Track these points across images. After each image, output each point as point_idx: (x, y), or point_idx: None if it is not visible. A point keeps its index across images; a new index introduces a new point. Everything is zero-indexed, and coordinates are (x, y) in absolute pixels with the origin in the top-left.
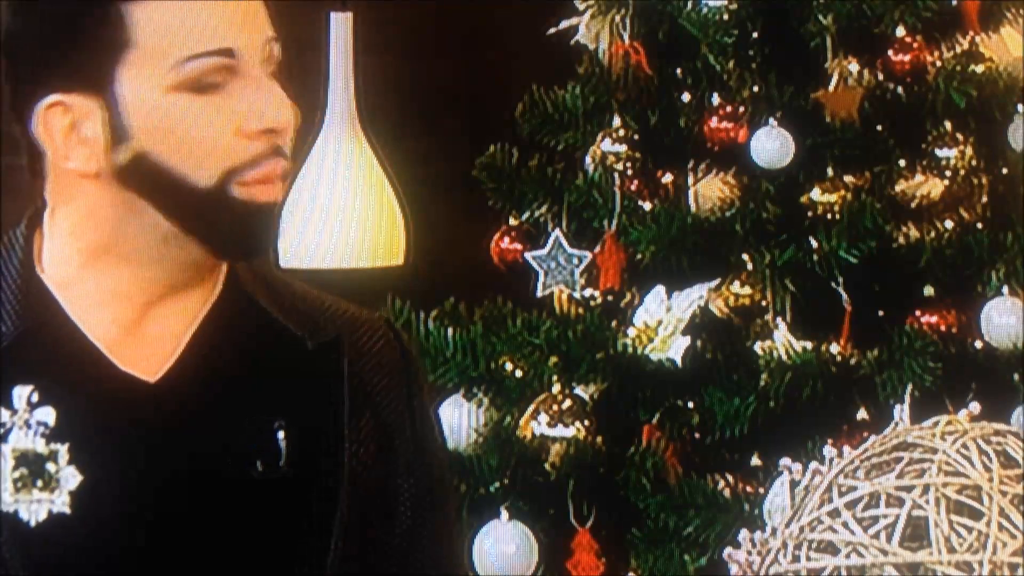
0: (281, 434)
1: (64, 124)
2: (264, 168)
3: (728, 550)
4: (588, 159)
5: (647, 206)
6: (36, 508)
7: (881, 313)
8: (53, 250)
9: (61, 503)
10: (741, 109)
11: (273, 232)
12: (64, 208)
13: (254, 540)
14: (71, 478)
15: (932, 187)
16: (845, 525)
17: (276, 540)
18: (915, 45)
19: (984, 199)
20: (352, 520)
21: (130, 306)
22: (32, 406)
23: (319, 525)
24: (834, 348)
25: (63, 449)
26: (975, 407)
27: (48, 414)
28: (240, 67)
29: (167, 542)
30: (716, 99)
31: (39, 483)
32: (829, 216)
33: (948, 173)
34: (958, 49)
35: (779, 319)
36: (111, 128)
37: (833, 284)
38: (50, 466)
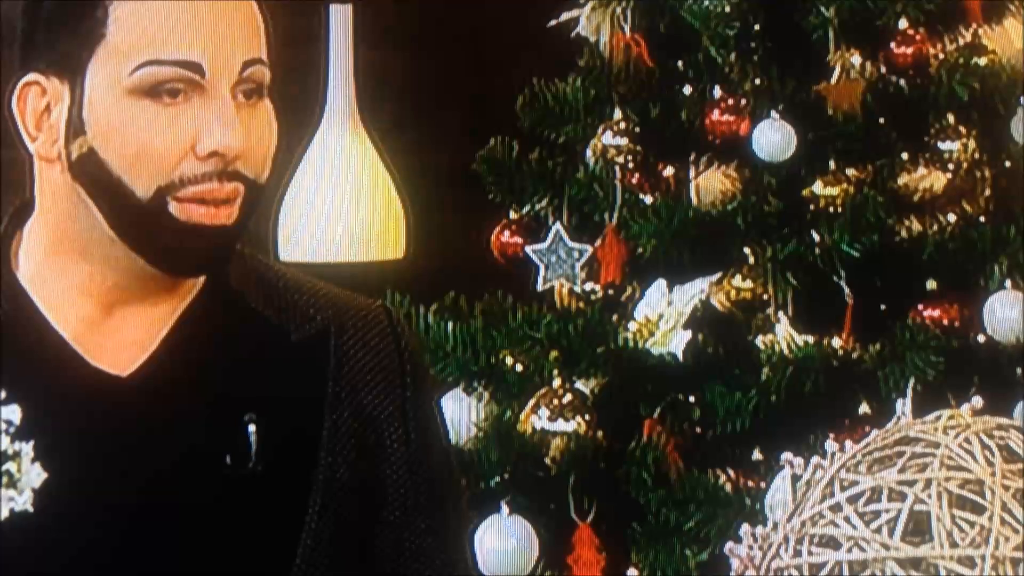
0: (252, 428)
1: (39, 105)
2: (202, 187)
3: (729, 545)
4: (589, 152)
5: (648, 199)
6: None
7: (883, 307)
8: (28, 246)
9: (24, 501)
10: (743, 102)
11: (219, 254)
12: (38, 197)
13: (222, 536)
14: (35, 476)
15: (935, 180)
16: (847, 519)
17: (244, 537)
18: (917, 37)
19: (987, 192)
20: (327, 518)
21: (94, 304)
22: None
23: (289, 522)
24: (836, 342)
25: (27, 447)
26: (977, 401)
27: (13, 412)
28: (209, 84)
29: (133, 538)
30: (717, 92)
31: (3, 481)
32: (831, 209)
33: (951, 166)
34: (961, 42)
35: (781, 313)
36: (70, 118)
37: (835, 278)
38: (12, 465)
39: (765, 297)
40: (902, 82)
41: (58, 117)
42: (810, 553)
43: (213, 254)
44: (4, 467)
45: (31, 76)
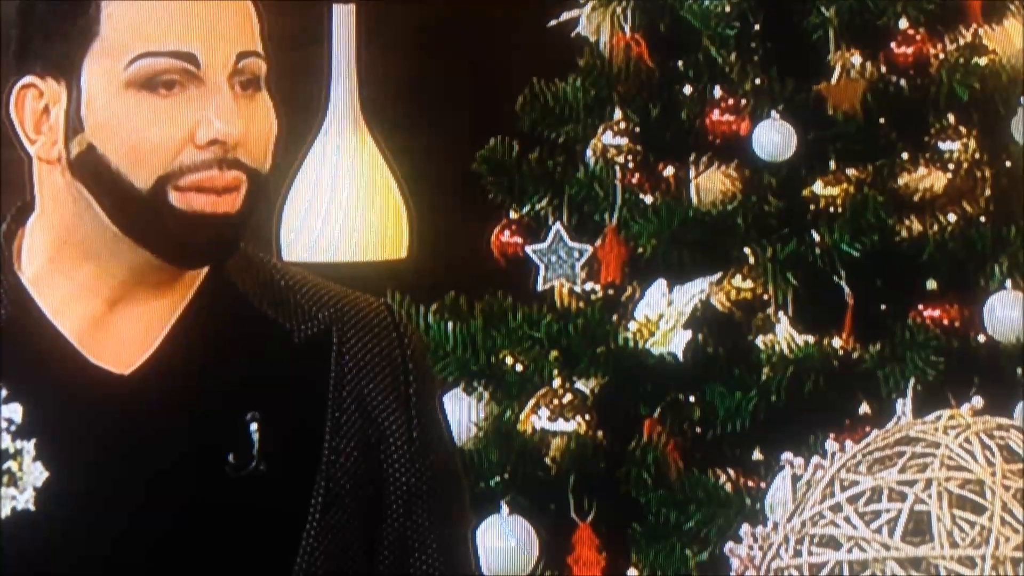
0: (254, 427)
1: (37, 107)
2: (201, 175)
3: (729, 545)
4: (589, 152)
5: (648, 199)
6: None
7: (883, 307)
8: (30, 245)
9: (26, 500)
10: (743, 102)
11: (224, 243)
12: (39, 198)
13: (225, 534)
14: (37, 475)
15: (935, 180)
16: (847, 520)
17: (247, 534)
18: (918, 37)
19: (987, 192)
20: (329, 516)
21: (97, 301)
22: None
23: (291, 521)
24: (836, 342)
25: (29, 446)
26: (978, 401)
27: (15, 411)
28: (205, 75)
29: (135, 537)
30: (718, 92)
31: (4, 480)
32: (831, 209)
33: (951, 166)
34: (961, 41)
35: (781, 313)
36: (68, 117)
37: (835, 278)
38: (14, 463)
39: (765, 297)
40: (902, 82)
41: (56, 118)
42: (810, 553)
43: (219, 244)
44: (6, 465)
45: (27, 79)
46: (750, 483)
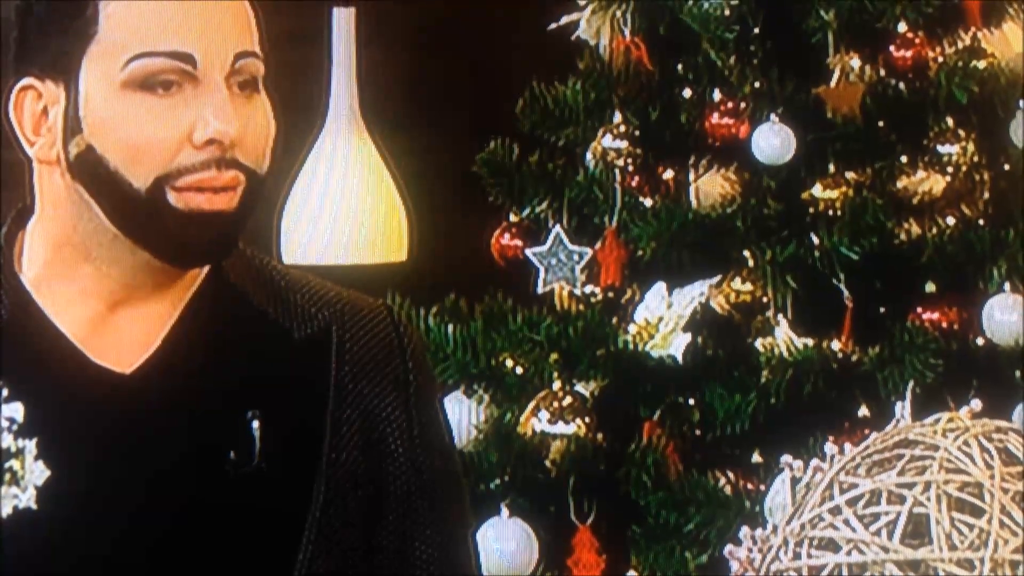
0: (255, 425)
1: (36, 109)
2: (200, 175)
3: (729, 547)
4: (589, 155)
5: (648, 202)
6: (1, 504)
7: (882, 310)
8: (31, 247)
9: (27, 498)
10: (742, 105)
11: (222, 242)
12: (39, 200)
13: (226, 532)
14: (39, 474)
15: (934, 183)
16: (846, 522)
17: (248, 533)
18: (917, 41)
19: (986, 195)
20: (330, 514)
21: (98, 302)
22: (1, 402)
23: (292, 520)
24: (835, 345)
25: (31, 444)
26: (976, 404)
27: (17, 410)
28: (202, 76)
29: (136, 535)
30: (717, 95)
31: (6, 479)
32: (830, 212)
33: (950, 169)
34: (960, 45)
35: (780, 316)
36: (66, 118)
37: (834, 280)
38: (15, 462)
39: (765, 300)
40: (901, 85)
41: (55, 119)
42: (809, 556)
43: (216, 242)
44: (7, 464)
45: (26, 80)
46: (749, 485)
